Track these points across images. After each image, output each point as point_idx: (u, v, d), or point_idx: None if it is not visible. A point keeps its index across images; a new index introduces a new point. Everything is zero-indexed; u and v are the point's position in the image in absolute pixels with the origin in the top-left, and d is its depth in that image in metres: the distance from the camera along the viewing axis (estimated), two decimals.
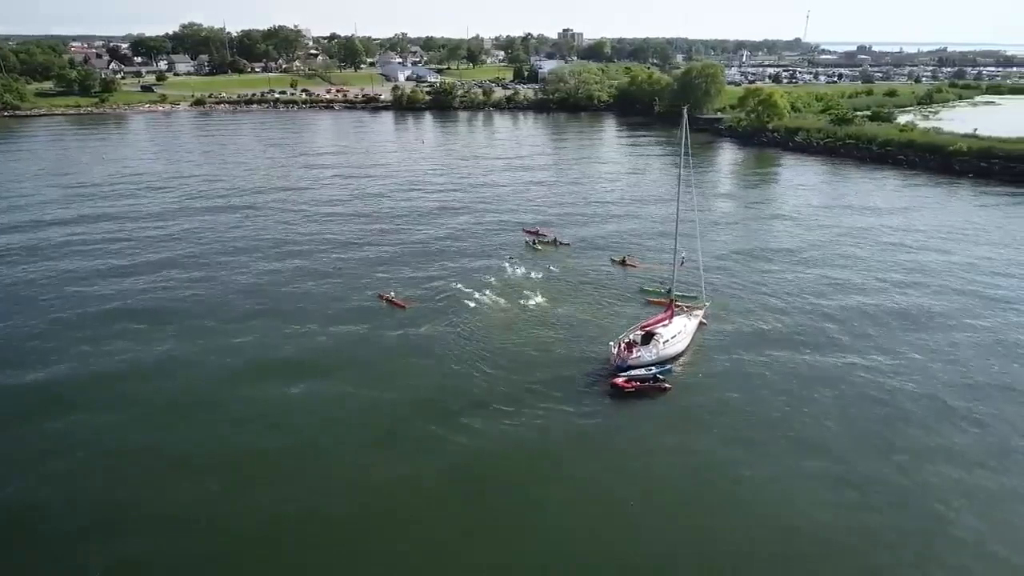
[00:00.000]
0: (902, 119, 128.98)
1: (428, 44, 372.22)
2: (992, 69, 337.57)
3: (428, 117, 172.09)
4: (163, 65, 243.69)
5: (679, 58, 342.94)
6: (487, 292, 48.70)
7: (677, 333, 39.86)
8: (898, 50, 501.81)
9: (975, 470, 29.53)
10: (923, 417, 33.50)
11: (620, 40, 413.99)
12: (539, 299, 47.42)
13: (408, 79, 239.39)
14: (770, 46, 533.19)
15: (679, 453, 31.01)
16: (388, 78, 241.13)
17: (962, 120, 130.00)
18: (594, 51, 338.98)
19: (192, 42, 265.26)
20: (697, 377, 37.70)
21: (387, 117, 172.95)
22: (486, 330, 42.85)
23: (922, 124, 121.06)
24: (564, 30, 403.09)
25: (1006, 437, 31.89)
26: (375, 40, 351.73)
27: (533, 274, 52.44)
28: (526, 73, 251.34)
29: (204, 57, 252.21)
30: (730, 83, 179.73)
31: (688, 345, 40.32)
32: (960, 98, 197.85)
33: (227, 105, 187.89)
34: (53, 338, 42.24)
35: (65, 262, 56.77)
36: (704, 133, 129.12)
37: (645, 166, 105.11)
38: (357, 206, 77.24)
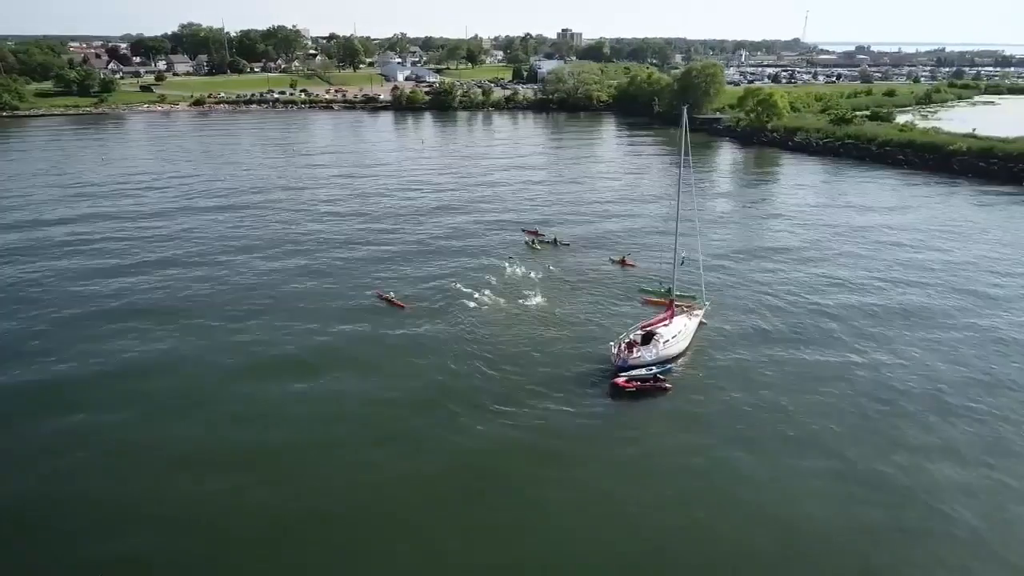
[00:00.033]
0: (901, 119, 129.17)
1: (427, 44, 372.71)
2: (990, 69, 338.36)
3: (427, 117, 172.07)
4: (162, 65, 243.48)
5: (678, 58, 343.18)
6: (487, 292, 48.65)
7: (677, 333, 39.84)
8: (896, 50, 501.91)
9: (976, 468, 29.51)
10: (923, 415, 33.49)
11: (619, 40, 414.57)
12: (539, 299, 47.39)
13: (407, 79, 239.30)
14: (769, 46, 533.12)
15: (680, 452, 30.99)
16: (387, 78, 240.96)
17: (961, 120, 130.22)
18: (593, 51, 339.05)
19: (191, 42, 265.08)
20: (697, 377, 37.70)
21: (386, 117, 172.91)
22: (486, 330, 42.81)
23: (921, 124, 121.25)
24: (563, 30, 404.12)
25: (1006, 435, 31.88)
26: (374, 40, 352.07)
27: (533, 274, 52.41)
28: (525, 73, 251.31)
29: (203, 57, 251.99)
30: (729, 83, 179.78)
31: (688, 345, 40.31)
32: (959, 98, 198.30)
33: (226, 105, 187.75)
34: (53, 337, 42.19)
35: (65, 261, 56.73)
36: (703, 133, 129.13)
37: (644, 166, 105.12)
38: (356, 205, 77.20)
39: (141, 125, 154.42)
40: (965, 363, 38.81)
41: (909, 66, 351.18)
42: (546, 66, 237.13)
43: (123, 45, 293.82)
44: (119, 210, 74.43)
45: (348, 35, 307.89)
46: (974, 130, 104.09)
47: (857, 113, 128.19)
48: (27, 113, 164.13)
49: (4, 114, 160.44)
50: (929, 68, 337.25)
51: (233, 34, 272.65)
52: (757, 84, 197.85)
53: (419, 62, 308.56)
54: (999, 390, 35.82)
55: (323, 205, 77.60)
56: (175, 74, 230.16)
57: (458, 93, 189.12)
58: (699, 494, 28.27)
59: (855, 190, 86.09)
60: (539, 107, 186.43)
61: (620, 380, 35.69)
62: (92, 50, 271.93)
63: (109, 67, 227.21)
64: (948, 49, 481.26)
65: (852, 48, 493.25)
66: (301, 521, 26.53)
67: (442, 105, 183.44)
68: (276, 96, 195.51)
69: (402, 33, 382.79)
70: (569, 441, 31.54)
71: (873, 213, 73.31)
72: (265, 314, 45.55)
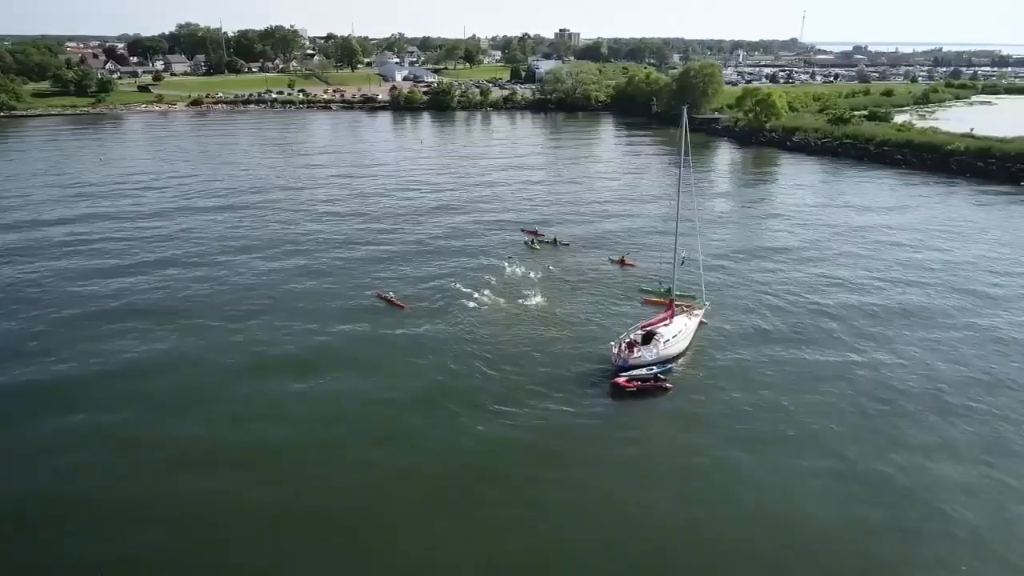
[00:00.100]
0: (899, 119, 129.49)
1: (425, 44, 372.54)
2: (987, 69, 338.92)
3: (426, 117, 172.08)
4: (160, 65, 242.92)
5: (675, 58, 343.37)
6: (486, 292, 48.63)
7: (678, 333, 39.86)
8: (894, 50, 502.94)
9: (976, 468, 29.54)
10: (923, 415, 33.53)
11: (616, 40, 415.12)
12: (538, 299, 47.39)
13: (405, 79, 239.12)
14: (766, 46, 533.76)
15: (680, 452, 30.99)
16: (385, 78, 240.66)
17: (959, 120, 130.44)
18: (590, 51, 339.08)
19: (189, 42, 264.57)
20: (698, 376, 37.71)
21: (385, 117, 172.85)
22: (486, 330, 42.79)
23: (919, 124, 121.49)
24: (561, 30, 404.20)
25: (1006, 435, 31.92)
26: (372, 40, 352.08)
27: (532, 273, 52.39)
28: (523, 73, 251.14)
29: (201, 57, 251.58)
30: (727, 83, 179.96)
31: (689, 345, 40.33)
32: (956, 98, 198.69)
33: (224, 105, 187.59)
34: (53, 337, 42.12)
35: (64, 261, 56.63)
36: (702, 133, 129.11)
37: (643, 166, 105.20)
38: (355, 205, 77.16)
39: (139, 125, 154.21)
40: (965, 362, 38.86)
41: (906, 66, 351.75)
42: (544, 66, 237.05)
43: (120, 45, 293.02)
44: (118, 210, 74.33)
45: (346, 35, 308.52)
46: (972, 130, 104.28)
47: (855, 113, 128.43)
48: (24, 113, 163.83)
49: (1, 114, 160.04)
50: (926, 68, 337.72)
51: (231, 34, 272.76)
52: (755, 84, 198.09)
53: (417, 62, 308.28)
54: (999, 389, 35.88)
55: (322, 205, 77.56)
56: (173, 74, 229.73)
57: (456, 93, 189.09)
58: (699, 494, 28.27)
59: (854, 190, 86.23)
60: (537, 107, 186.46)
61: (620, 380, 35.69)
62: (89, 50, 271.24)
63: (106, 67, 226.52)
64: (945, 49, 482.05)
65: (849, 48, 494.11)
66: (301, 521, 26.49)
67: (440, 105, 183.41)
68: (274, 96, 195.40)
69: (400, 33, 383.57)
70: (569, 441, 31.53)
71: (872, 213, 73.43)
72: (265, 314, 45.50)
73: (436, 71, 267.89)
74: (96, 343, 41.22)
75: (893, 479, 28.85)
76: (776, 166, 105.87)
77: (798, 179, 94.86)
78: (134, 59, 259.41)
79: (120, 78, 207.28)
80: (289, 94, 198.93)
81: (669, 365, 37.84)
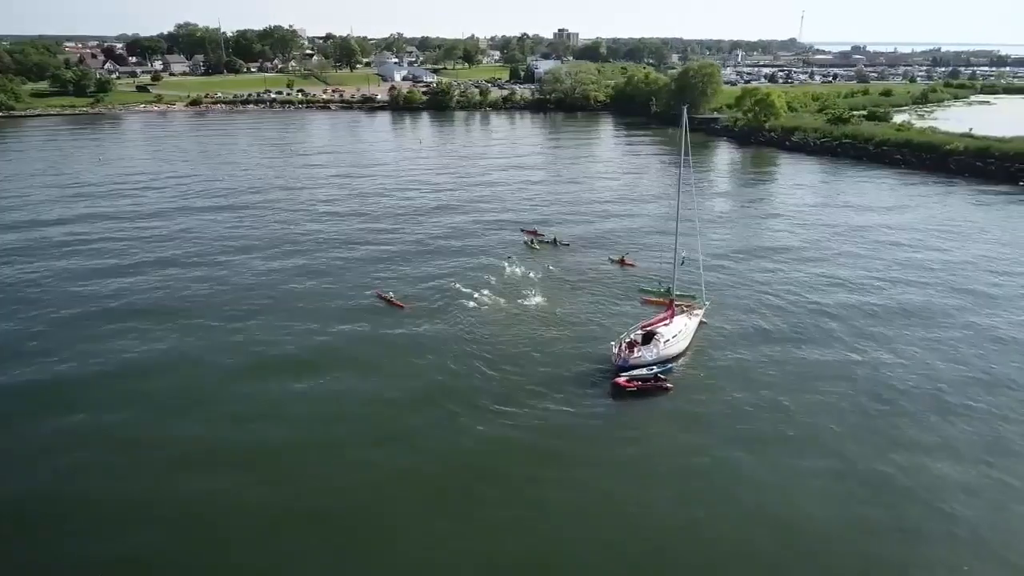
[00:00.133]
0: (898, 118, 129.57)
1: (424, 44, 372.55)
2: (986, 69, 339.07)
3: (425, 117, 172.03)
4: (158, 65, 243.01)
5: (674, 58, 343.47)
6: (486, 291, 48.62)
7: (678, 332, 39.86)
8: (892, 50, 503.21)
9: (976, 467, 29.56)
10: (923, 414, 33.54)
11: (615, 40, 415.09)
12: (538, 298, 47.38)
13: (404, 79, 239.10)
14: (765, 46, 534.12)
15: (680, 452, 31.00)
16: (384, 78, 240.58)
17: (957, 119, 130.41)
18: (589, 51, 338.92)
19: (187, 42, 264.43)
20: (698, 376, 37.72)
21: (384, 117, 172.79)
22: (486, 330, 42.78)
23: (918, 123, 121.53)
24: (559, 30, 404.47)
25: (1006, 434, 31.94)
26: (371, 40, 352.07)
27: (532, 273, 52.38)
28: (522, 73, 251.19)
29: (199, 57, 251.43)
30: (726, 83, 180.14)
31: (689, 344, 40.33)
32: (955, 98, 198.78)
33: (223, 105, 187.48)
34: (53, 337, 42.08)
35: (64, 261, 56.57)
36: (701, 133, 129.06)
37: (643, 165, 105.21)
38: (355, 205, 77.13)
39: (138, 125, 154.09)
40: (965, 362, 38.89)
41: (905, 66, 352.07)
42: (543, 66, 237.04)
43: (119, 45, 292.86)
44: (117, 210, 74.26)
45: (345, 35, 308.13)
46: (970, 130, 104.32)
47: (854, 113, 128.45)
48: (23, 113, 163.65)
49: (0, 114, 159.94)
50: (925, 68, 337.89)
51: (229, 34, 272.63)
52: (754, 84, 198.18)
53: (416, 62, 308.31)
54: (999, 389, 35.90)
55: (321, 205, 77.52)
56: (171, 74, 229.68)
57: (455, 93, 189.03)
58: (699, 494, 28.27)
59: (853, 189, 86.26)
60: (536, 107, 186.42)
61: (621, 380, 35.68)
62: (88, 50, 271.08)
63: (105, 67, 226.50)
64: (944, 49, 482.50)
65: (848, 48, 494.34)
66: (301, 521, 26.48)
67: (439, 105, 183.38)
68: (273, 96, 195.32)
69: (399, 33, 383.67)
70: (569, 441, 31.52)
71: (871, 212, 73.47)
72: (264, 314, 45.48)
73: (435, 71, 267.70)
74: (96, 343, 41.20)
75: (893, 479, 28.86)
76: (775, 166, 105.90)
77: (797, 179, 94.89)
78: (133, 59, 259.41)
79: (119, 78, 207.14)
80: (288, 94, 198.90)
81: (669, 365, 37.83)
